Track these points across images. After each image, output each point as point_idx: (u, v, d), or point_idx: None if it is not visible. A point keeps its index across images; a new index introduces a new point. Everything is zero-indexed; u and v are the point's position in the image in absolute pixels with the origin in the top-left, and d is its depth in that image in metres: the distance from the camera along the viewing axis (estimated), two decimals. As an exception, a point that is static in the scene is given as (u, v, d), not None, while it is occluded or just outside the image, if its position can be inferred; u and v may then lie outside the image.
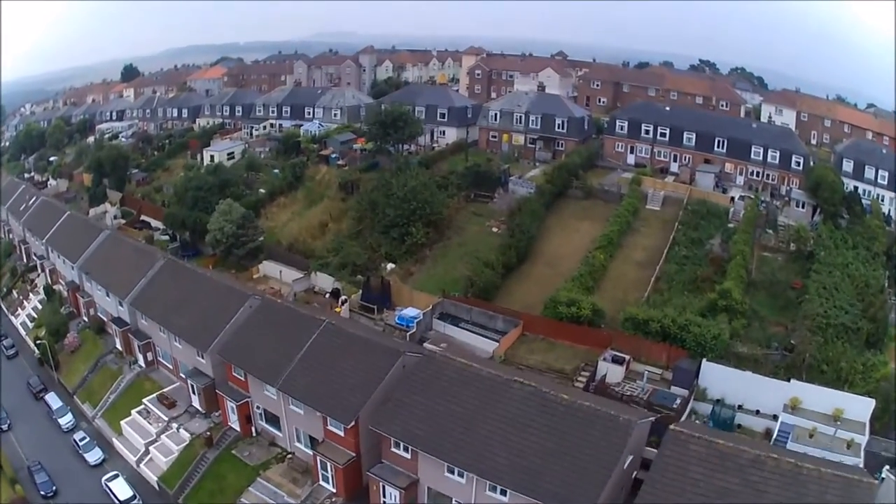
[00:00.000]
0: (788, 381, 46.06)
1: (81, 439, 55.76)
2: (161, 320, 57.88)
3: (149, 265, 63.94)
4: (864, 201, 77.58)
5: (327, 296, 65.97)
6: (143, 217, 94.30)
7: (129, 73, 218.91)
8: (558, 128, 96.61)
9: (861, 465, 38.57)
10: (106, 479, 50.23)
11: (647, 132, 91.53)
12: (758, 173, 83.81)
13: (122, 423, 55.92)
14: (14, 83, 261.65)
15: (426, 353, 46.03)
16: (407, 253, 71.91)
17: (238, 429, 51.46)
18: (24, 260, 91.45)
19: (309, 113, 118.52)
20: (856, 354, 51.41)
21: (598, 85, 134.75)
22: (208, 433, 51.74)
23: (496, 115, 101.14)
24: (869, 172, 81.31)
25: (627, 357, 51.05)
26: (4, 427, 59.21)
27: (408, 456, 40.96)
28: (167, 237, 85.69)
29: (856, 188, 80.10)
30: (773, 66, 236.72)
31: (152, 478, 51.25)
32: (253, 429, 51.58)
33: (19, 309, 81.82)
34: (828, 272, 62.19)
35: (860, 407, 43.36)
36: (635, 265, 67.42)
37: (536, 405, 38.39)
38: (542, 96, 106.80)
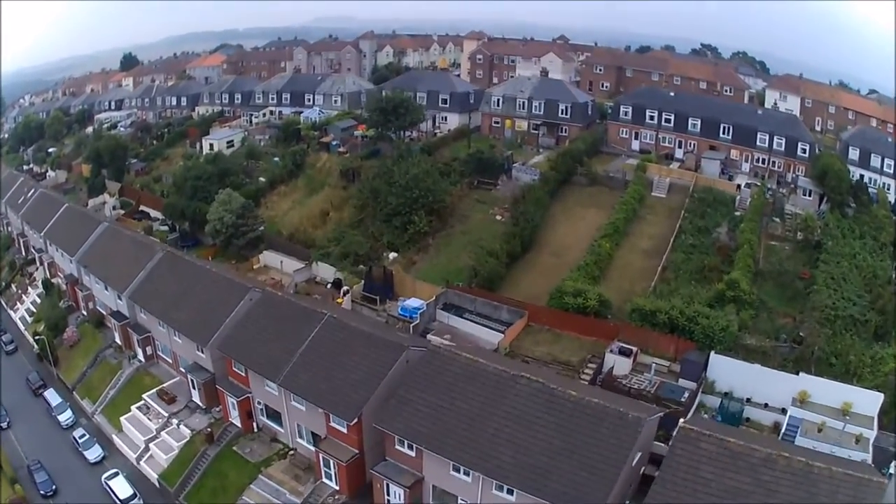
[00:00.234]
0: (797, 374, 45.33)
1: (81, 436, 55.27)
2: (160, 314, 57.20)
3: (147, 258, 63.18)
4: (870, 190, 76.46)
5: (329, 286, 65.15)
6: (142, 207, 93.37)
7: (128, 62, 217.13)
8: (562, 113, 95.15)
9: (869, 461, 37.95)
10: (106, 478, 49.76)
11: (651, 118, 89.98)
12: (763, 160, 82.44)
13: (122, 419, 55.37)
14: (13, 74, 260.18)
15: (430, 348, 45.14)
16: (409, 242, 70.83)
17: (239, 425, 50.86)
18: (23, 253, 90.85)
19: (309, 100, 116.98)
20: (864, 347, 50.67)
21: (600, 70, 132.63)
22: (209, 429, 51.16)
23: (499, 100, 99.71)
24: (875, 161, 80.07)
25: (635, 349, 50.23)
26: (4, 425, 58.87)
27: (412, 453, 40.26)
28: (166, 227, 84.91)
29: (862, 177, 78.92)
30: (774, 50, 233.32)
31: (153, 475, 50.82)
32: (254, 424, 50.97)
33: (18, 303, 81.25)
34: (836, 262, 61.33)
35: (869, 401, 42.58)
36: (642, 254, 66.51)
37: (543, 402, 37.64)
38: (544, 81, 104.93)
